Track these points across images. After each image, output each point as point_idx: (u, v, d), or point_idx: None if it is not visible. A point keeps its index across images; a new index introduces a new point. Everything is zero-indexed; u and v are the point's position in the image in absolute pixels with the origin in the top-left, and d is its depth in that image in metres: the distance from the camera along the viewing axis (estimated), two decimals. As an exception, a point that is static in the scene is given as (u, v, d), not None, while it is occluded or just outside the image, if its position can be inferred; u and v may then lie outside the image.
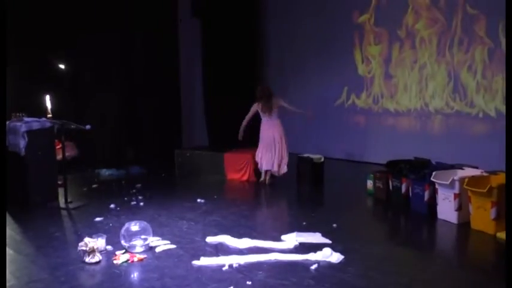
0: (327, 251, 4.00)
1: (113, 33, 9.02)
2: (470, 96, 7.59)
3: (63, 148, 6.21)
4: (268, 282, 3.50)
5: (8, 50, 5.85)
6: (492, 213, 4.53)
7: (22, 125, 5.90)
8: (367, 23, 9.11)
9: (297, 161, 7.39)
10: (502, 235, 4.34)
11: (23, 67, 8.04)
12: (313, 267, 3.77)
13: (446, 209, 5.05)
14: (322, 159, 7.28)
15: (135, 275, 3.76)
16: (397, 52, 8.67)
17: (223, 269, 3.75)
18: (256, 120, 7.44)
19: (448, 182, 4.97)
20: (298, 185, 7.26)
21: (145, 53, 9.56)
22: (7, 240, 4.46)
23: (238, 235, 4.56)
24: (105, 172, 8.23)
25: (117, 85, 9.23)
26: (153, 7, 9.46)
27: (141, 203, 6.08)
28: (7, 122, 6.01)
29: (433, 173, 5.18)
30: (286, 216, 5.99)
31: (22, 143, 5.85)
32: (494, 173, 4.94)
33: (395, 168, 5.86)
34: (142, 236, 4.26)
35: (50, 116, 6.56)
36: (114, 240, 4.33)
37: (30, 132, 5.90)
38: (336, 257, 3.94)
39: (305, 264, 3.83)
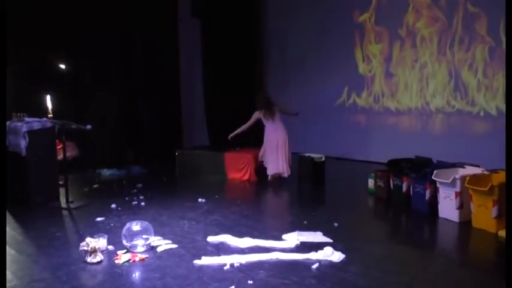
0: (328, 250, 4.00)
1: (113, 33, 9.01)
2: (471, 95, 7.58)
3: (64, 148, 6.21)
4: (269, 281, 3.50)
5: (8, 50, 5.85)
6: (493, 211, 4.52)
7: (23, 125, 5.90)
8: (368, 21, 9.11)
9: (298, 160, 7.40)
10: (503, 233, 4.33)
11: (23, 67, 8.04)
12: (315, 266, 3.76)
13: (448, 208, 5.05)
14: (323, 159, 7.28)
15: (136, 275, 3.76)
16: (397, 51, 8.66)
17: (225, 268, 3.75)
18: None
19: (449, 181, 4.97)
20: (299, 184, 7.26)
21: (145, 53, 9.55)
22: (9, 240, 4.48)
23: (240, 234, 4.56)
24: (106, 172, 8.24)
25: (118, 85, 9.23)
26: (153, 7, 9.46)
27: (142, 203, 6.08)
28: (8, 122, 6.01)
29: (434, 172, 5.17)
30: (287, 215, 5.99)
31: (23, 143, 5.85)
32: (495, 171, 4.93)
33: (397, 167, 5.85)
34: (144, 236, 4.26)
35: (50, 116, 6.56)
36: (115, 240, 4.33)
37: (31, 133, 5.90)
38: (337, 256, 3.94)
39: (306, 264, 3.83)
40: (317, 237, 4.49)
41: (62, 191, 6.21)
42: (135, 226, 4.29)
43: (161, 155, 9.24)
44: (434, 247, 4.70)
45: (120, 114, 9.26)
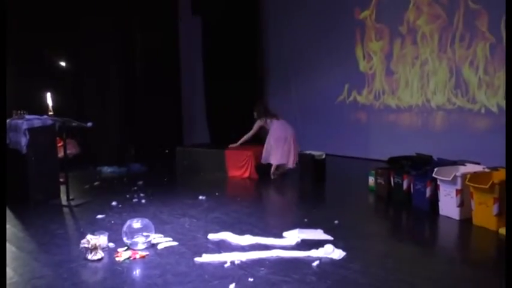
0: (328, 247, 4.00)
1: (114, 31, 9.01)
2: (472, 92, 7.57)
3: (64, 146, 6.20)
4: (270, 278, 3.50)
5: (8, 48, 5.85)
6: (494, 209, 4.52)
7: (23, 123, 5.90)
8: (369, 19, 9.09)
9: (298, 158, 7.39)
10: (503, 231, 4.33)
11: (23, 64, 8.04)
12: (315, 263, 3.76)
13: (448, 205, 5.05)
14: (324, 156, 7.27)
15: (137, 272, 3.77)
16: (398, 48, 8.64)
17: (225, 265, 3.75)
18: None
19: (450, 178, 4.97)
20: (300, 181, 7.27)
21: (145, 51, 9.55)
22: (9, 237, 4.49)
23: (240, 232, 4.56)
24: (106, 169, 8.24)
25: (118, 83, 9.23)
26: (153, 6, 9.46)
27: (143, 200, 6.09)
28: (8, 120, 6.01)
29: (435, 169, 5.17)
30: (288, 213, 5.99)
31: (23, 141, 5.84)
32: (496, 169, 4.93)
33: (397, 164, 5.85)
34: (144, 233, 4.26)
35: (51, 113, 6.55)
36: (116, 238, 4.33)
37: (31, 130, 5.89)
38: (337, 254, 3.93)
39: (307, 261, 3.83)
40: (318, 234, 4.49)
41: (62, 188, 6.21)
42: (136, 223, 4.29)
43: (162, 152, 9.24)
44: (435, 245, 4.70)
45: (120, 112, 9.26)
